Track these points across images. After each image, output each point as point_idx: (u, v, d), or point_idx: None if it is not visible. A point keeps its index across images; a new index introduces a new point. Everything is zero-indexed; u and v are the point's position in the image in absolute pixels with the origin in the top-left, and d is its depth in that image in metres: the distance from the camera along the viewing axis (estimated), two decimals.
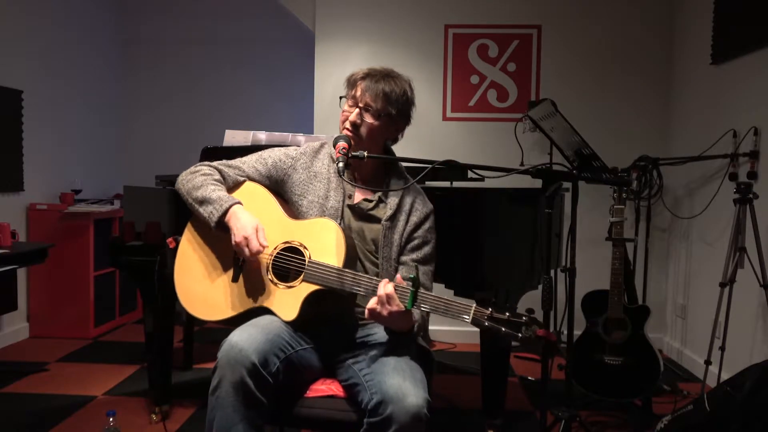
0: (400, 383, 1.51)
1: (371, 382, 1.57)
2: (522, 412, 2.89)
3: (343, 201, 1.81)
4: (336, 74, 4.14)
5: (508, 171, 1.91)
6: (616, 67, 4.01)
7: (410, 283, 1.55)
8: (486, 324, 1.49)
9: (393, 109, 1.77)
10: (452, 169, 1.79)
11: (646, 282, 3.58)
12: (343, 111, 1.82)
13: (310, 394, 1.70)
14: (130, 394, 3.02)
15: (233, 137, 2.97)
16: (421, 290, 1.56)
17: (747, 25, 3.07)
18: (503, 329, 1.48)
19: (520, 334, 1.47)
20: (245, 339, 1.54)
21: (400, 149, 1.95)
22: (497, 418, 2.48)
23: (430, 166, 1.75)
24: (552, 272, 2.06)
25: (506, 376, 2.52)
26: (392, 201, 1.82)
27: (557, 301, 3.40)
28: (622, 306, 2.70)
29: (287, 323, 1.67)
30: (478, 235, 2.44)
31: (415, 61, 4.11)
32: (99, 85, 4.78)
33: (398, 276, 1.61)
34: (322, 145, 1.92)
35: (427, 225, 1.85)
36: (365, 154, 1.72)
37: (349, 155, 1.71)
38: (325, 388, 1.72)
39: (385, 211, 1.81)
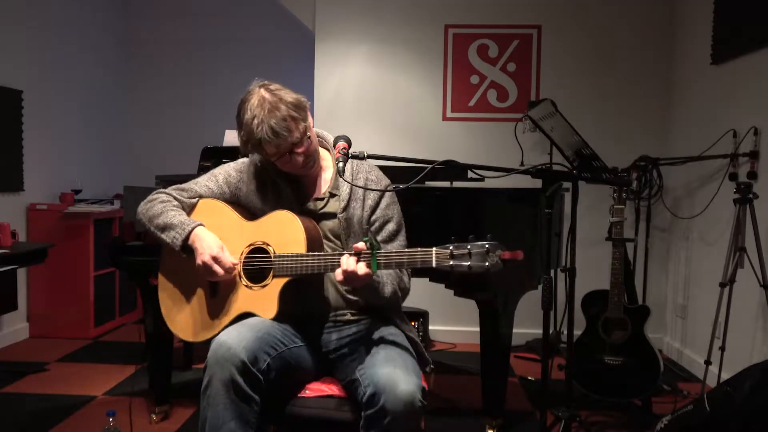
0: (391, 372, 1.52)
1: (364, 375, 1.58)
2: (522, 412, 2.88)
3: (296, 206, 1.79)
4: (336, 74, 4.14)
5: (508, 171, 1.91)
6: (616, 67, 4.01)
7: (369, 248, 1.54)
8: (450, 263, 1.46)
9: (303, 121, 1.70)
10: (452, 169, 1.79)
11: (646, 282, 3.58)
12: (285, 165, 1.75)
13: (308, 393, 1.70)
14: (130, 394, 3.02)
15: (233, 137, 2.97)
16: (382, 251, 1.55)
17: (747, 25, 3.07)
18: (469, 263, 1.44)
19: (486, 263, 1.44)
20: (234, 337, 1.55)
21: (400, 149, 1.94)
22: (497, 418, 2.48)
23: (430, 166, 1.75)
24: (552, 272, 2.06)
25: (506, 376, 2.52)
26: (344, 191, 1.80)
27: (557, 301, 3.41)
28: (622, 306, 2.70)
29: (274, 321, 1.68)
30: (478, 234, 2.44)
31: (415, 61, 4.11)
32: (99, 86, 4.78)
33: (355, 246, 1.57)
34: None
35: (384, 203, 1.82)
36: (366, 153, 1.72)
37: (349, 155, 1.71)
38: (324, 387, 1.72)
39: (338, 204, 1.80)
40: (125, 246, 2.63)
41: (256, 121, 1.66)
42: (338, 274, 1.56)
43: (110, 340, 4.04)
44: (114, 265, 2.75)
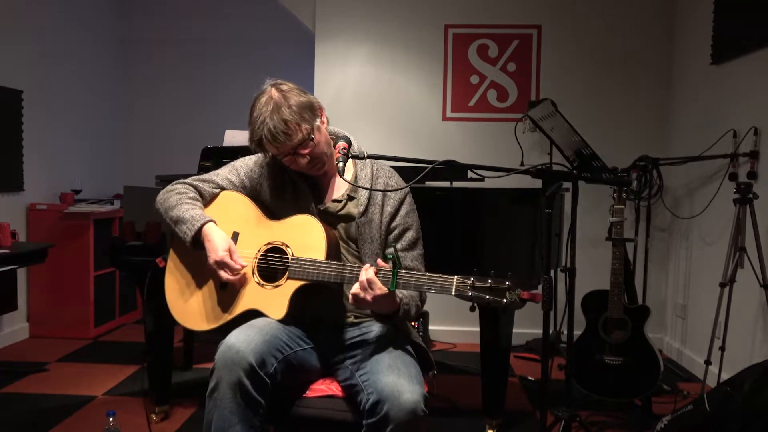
0: (395, 381, 1.51)
1: (367, 382, 1.57)
2: (522, 412, 2.88)
3: (313, 205, 1.79)
4: (336, 74, 4.14)
5: (508, 171, 1.91)
6: (616, 67, 4.01)
7: (391, 265, 1.55)
8: (470, 294, 1.48)
9: (307, 123, 1.69)
10: (452, 169, 1.79)
11: (646, 282, 3.58)
12: (291, 165, 1.75)
13: (309, 394, 1.70)
14: (130, 394, 3.02)
15: (233, 137, 2.97)
16: (403, 270, 1.56)
17: (747, 25, 3.07)
18: (488, 297, 1.47)
19: (504, 300, 1.46)
20: (242, 340, 1.55)
21: (399, 149, 1.94)
22: (497, 418, 2.48)
23: (430, 166, 1.75)
24: (552, 272, 2.06)
25: (506, 376, 2.52)
26: (363, 194, 1.79)
27: (557, 301, 3.41)
28: (622, 306, 2.70)
29: (281, 323, 1.67)
30: (478, 235, 2.44)
31: (415, 61, 4.11)
32: (99, 85, 4.78)
33: (379, 260, 1.60)
34: None
35: (404, 210, 1.81)
36: (365, 153, 1.71)
37: (350, 155, 1.70)
38: (324, 387, 1.72)
39: (357, 207, 1.79)
40: (125, 246, 2.63)
41: (259, 120, 1.68)
42: (354, 288, 1.56)
43: (110, 340, 4.04)
44: (114, 265, 2.76)
